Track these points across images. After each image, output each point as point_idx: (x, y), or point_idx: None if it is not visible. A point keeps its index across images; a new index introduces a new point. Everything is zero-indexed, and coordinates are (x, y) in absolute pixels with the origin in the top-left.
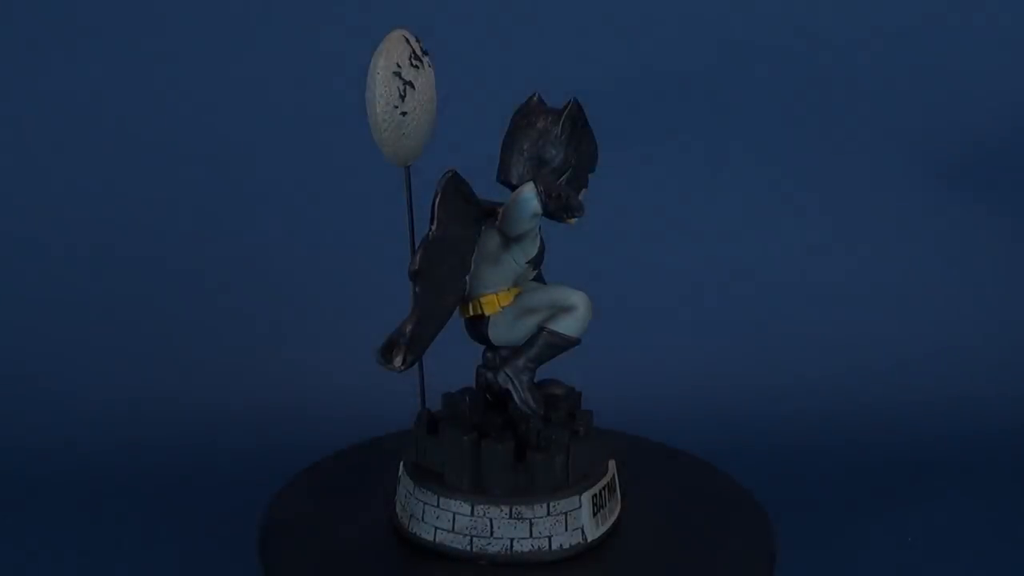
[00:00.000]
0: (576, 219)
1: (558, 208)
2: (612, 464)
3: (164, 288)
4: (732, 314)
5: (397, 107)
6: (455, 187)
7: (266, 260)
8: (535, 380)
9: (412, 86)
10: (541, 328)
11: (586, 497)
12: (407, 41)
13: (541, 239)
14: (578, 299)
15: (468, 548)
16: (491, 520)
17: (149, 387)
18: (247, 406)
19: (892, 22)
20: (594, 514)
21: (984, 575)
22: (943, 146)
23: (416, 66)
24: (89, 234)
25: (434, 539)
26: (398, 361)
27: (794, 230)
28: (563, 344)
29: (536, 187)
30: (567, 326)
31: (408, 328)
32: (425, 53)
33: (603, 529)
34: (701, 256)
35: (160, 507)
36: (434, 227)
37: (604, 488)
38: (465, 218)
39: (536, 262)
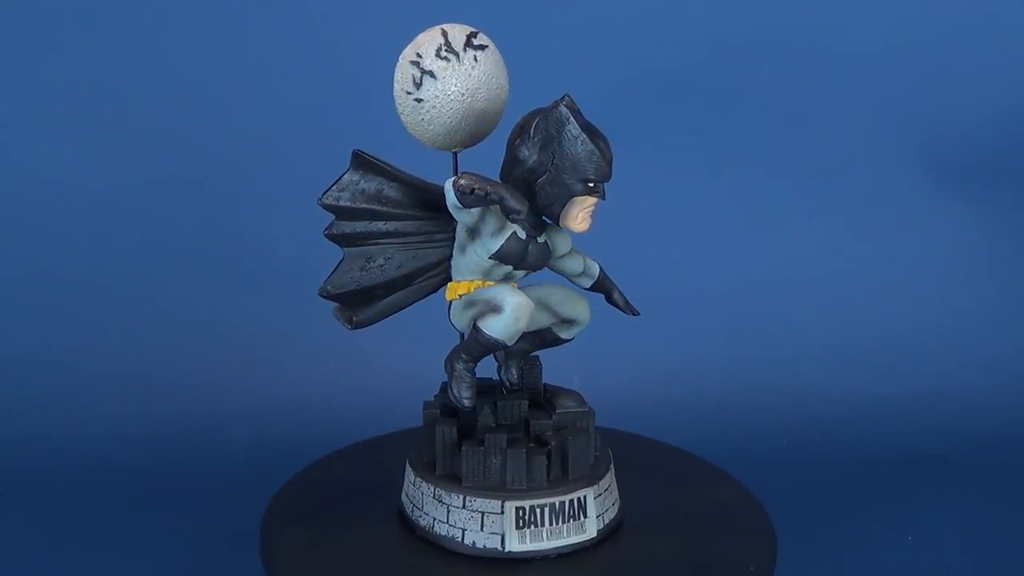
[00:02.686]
0: (519, 218)
1: (474, 203)
2: (585, 494)
3: (165, 287)
4: (732, 313)
5: (411, 93)
6: (364, 163)
7: (267, 259)
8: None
9: (433, 76)
10: (474, 322)
11: (510, 506)
12: (443, 34)
13: (533, 241)
14: (509, 302)
15: (410, 514)
16: (422, 494)
17: (149, 386)
18: (248, 405)
19: (893, 21)
20: (519, 527)
21: (984, 575)
22: (943, 145)
23: (445, 58)
24: (89, 233)
25: (400, 498)
26: (345, 318)
27: (794, 229)
28: (486, 343)
29: (455, 181)
30: (489, 325)
31: (327, 288)
32: (476, 48)
33: (537, 547)
34: (701, 255)
35: (160, 505)
36: (320, 196)
37: (546, 508)
38: (398, 199)
39: (509, 260)
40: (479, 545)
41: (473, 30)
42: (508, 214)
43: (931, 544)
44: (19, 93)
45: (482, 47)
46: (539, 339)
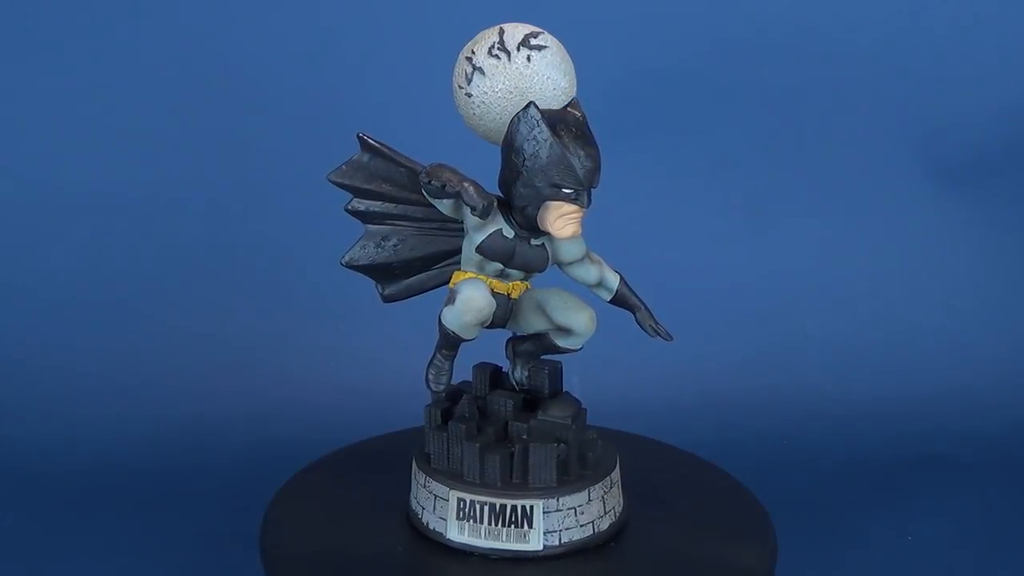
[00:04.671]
0: (479, 214)
1: (436, 194)
2: (533, 504)
3: (165, 287)
4: (732, 313)
5: (462, 88)
6: (369, 147)
7: (267, 259)
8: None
9: (482, 72)
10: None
11: (453, 494)
12: (499, 32)
13: (524, 242)
14: (461, 295)
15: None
16: (411, 472)
17: (149, 386)
18: (248, 405)
19: (893, 21)
20: (459, 518)
21: (984, 575)
22: (943, 144)
23: (496, 56)
24: (89, 234)
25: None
26: (378, 290)
27: (794, 229)
28: (445, 332)
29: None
30: (444, 315)
31: (347, 258)
32: (533, 48)
33: (474, 542)
34: (701, 255)
35: (160, 505)
36: (330, 174)
37: (486, 507)
38: (406, 184)
39: (493, 256)
40: (431, 527)
41: (535, 30)
42: (473, 209)
43: (931, 544)
44: (20, 94)
45: (540, 47)
46: (540, 344)
